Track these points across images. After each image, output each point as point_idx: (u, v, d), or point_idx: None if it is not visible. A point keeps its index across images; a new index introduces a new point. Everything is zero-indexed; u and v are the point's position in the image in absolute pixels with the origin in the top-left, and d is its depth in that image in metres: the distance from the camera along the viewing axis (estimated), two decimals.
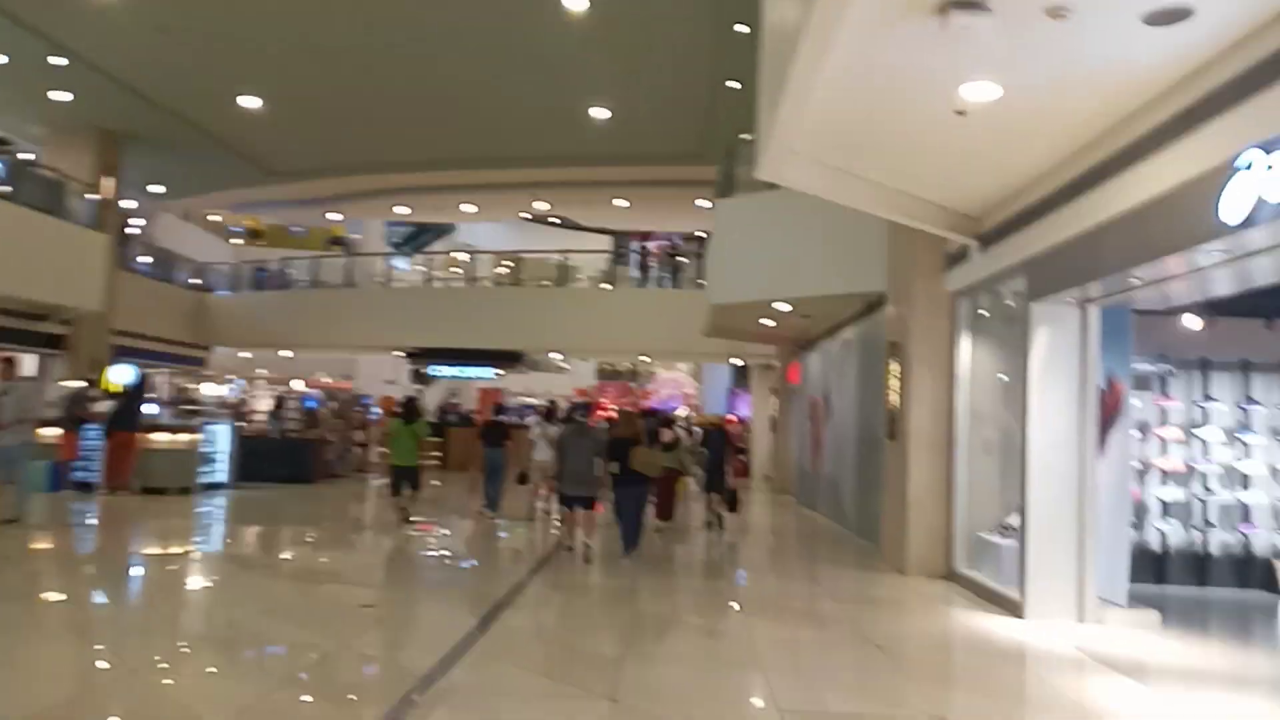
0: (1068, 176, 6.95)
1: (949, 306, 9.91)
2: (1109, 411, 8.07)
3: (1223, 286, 7.03)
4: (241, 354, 29.88)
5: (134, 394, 15.63)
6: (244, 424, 18.40)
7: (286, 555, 11.08)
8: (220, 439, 15.57)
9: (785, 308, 14.53)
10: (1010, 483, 9.43)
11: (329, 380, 38.50)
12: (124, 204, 24.45)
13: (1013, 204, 7.99)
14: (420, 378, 38.05)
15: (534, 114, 19.12)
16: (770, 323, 16.63)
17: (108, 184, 20.58)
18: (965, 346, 9.76)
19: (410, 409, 12.51)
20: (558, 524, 11.80)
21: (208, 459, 15.35)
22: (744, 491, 20.18)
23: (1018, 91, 5.73)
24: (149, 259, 25.86)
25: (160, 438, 14.90)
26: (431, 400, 32.96)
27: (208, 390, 25.01)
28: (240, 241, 40.80)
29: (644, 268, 23.19)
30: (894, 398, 10.48)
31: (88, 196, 18.93)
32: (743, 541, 13.95)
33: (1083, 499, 7.77)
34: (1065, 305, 7.82)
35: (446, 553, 11.51)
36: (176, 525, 12.15)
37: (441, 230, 43.35)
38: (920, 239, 9.96)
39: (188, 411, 17.71)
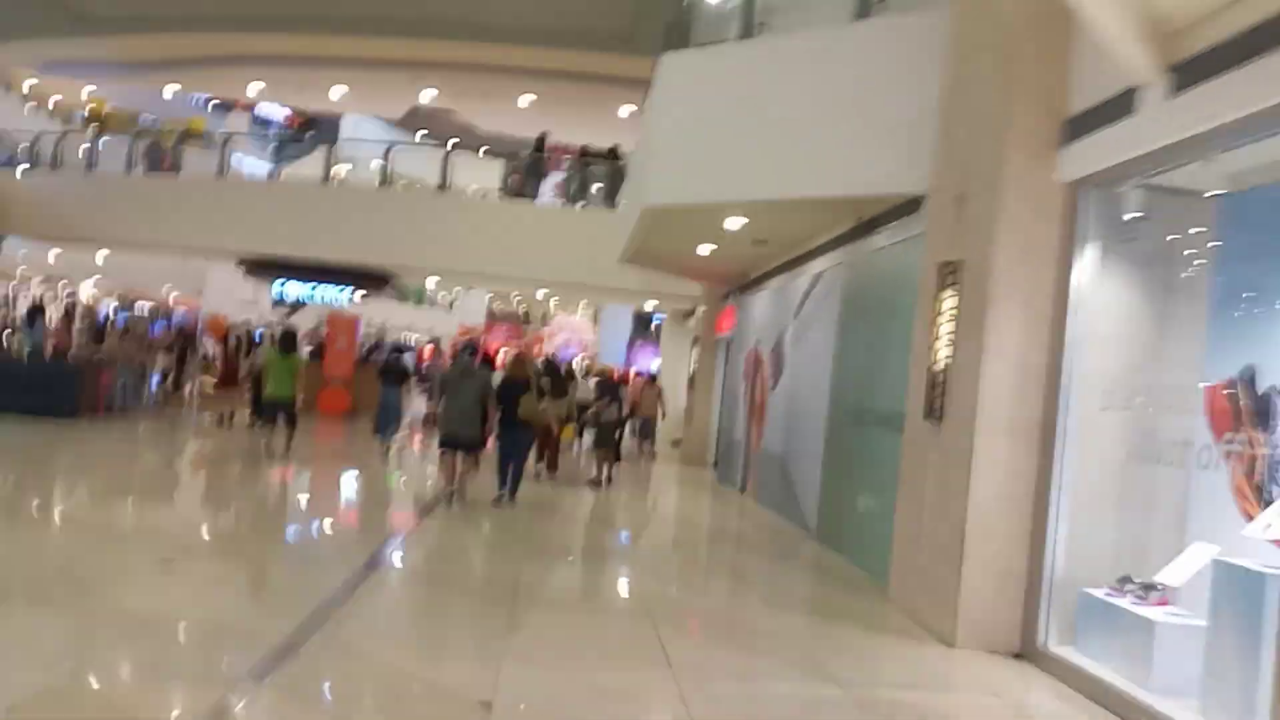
0: None
1: (1063, 206, 5.71)
2: None
3: None
4: (53, 251, 23.82)
5: None
6: None
7: None
8: None
9: (738, 223, 10.21)
10: (1163, 507, 5.40)
11: (176, 295, 32.64)
12: None
13: None
14: (287, 304, 32.47)
15: None
16: (708, 250, 12.29)
17: None
18: (1090, 272, 5.59)
19: (288, 340, 11.70)
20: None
21: None
22: (648, 460, 16.08)
23: None
24: None
25: None
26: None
27: None
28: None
29: (539, 175, 18.27)
30: (942, 351, 6.27)
31: None
32: (656, 538, 9.76)
33: None
34: None
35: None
36: None
37: (321, 137, 37.33)
38: (1018, 88, 5.73)
39: None
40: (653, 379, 15.77)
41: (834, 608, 6.89)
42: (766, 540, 9.76)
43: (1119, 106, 5.12)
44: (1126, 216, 5.38)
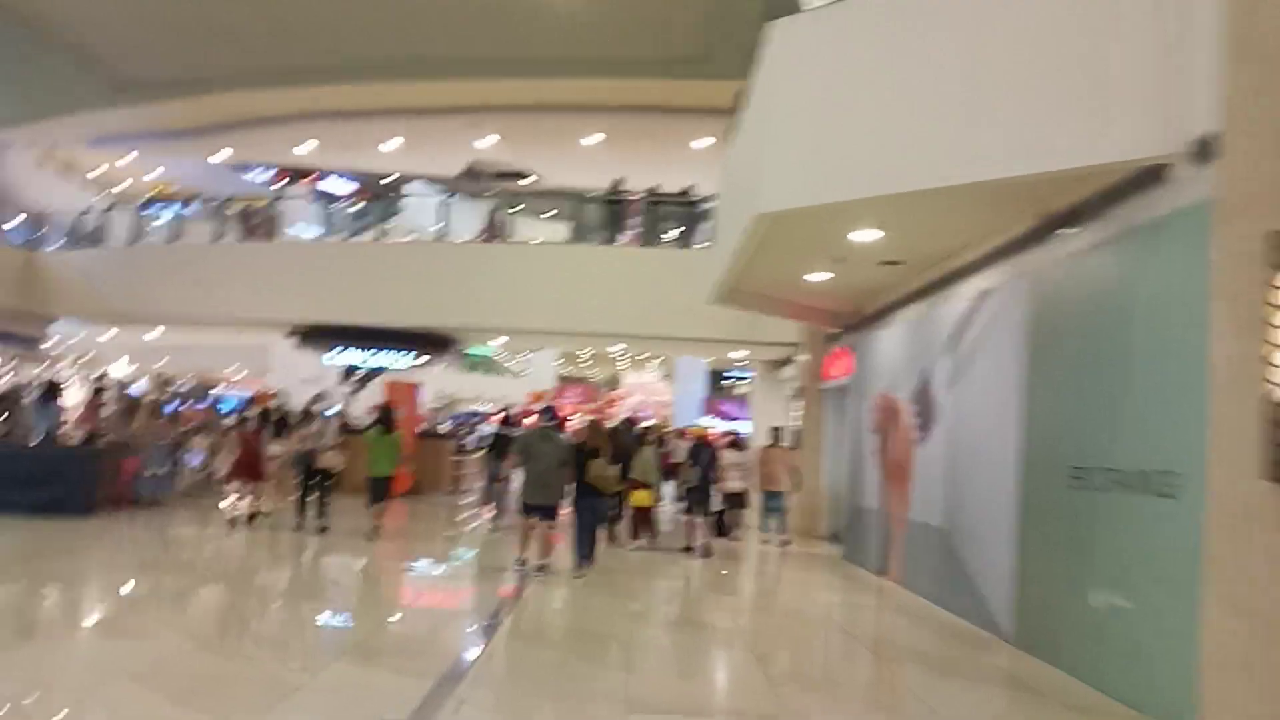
0: None
1: None
2: None
3: None
4: (103, 332, 22.59)
5: None
6: None
7: None
8: None
9: (869, 238, 7.99)
10: None
11: (236, 375, 31.44)
12: None
13: None
14: (355, 378, 30.91)
15: None
16: (823, 277, 10.06)
17: None
18: None
19: (388, 418, 11.33)
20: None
21: None
22: (747, 532, 13.75)
23: None
24: None
25: None
26: (361, 405, 25.81)
27: None
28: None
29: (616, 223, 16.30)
30: None
31: None
32: (791, 638, 7.32)
33: None
34: None
35: None
36: None
37: (387, 210, 36.41)
38: None
39: None
40: (776, 440, 13.08)
41: None
42: (938, 643, 7.26)
43: None
44: None
